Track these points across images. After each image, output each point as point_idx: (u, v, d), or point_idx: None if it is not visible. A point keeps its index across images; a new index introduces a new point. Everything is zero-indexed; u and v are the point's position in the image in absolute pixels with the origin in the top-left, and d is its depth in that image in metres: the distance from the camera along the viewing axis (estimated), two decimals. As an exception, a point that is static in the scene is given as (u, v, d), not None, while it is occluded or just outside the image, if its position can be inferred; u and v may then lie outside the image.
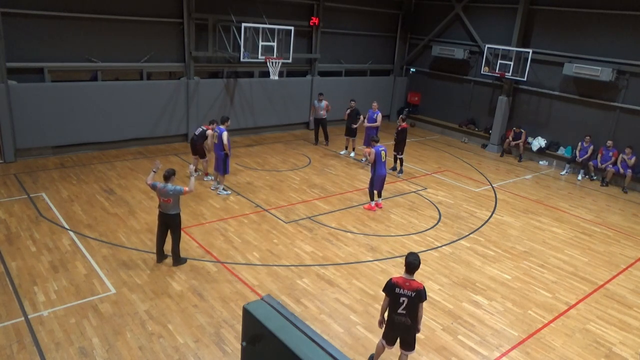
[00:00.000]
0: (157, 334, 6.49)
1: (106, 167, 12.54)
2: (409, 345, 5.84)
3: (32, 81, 12.43)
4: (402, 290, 5.53)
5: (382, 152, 10.94)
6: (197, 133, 11.82)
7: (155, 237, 8.43)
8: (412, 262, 5.56)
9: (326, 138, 16.31)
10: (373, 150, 10.88)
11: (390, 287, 5.58)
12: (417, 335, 5.93)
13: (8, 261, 7.88)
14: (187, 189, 7.83)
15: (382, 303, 5.82)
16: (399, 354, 6.02)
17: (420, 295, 5.55)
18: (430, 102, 20.44)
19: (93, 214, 9.85)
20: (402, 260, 8.84)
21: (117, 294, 7.26)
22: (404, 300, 5.55)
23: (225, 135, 10.90)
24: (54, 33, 12.49)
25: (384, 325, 5.89)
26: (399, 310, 5.60)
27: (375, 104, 14.53)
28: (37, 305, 6.86)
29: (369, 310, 7.41)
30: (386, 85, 20.70)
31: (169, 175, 7.78)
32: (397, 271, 8.46)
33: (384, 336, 5.91)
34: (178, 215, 7.95)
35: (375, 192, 11.26)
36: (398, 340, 5.90)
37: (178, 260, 8.16)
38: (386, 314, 5.86)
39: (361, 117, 14.87)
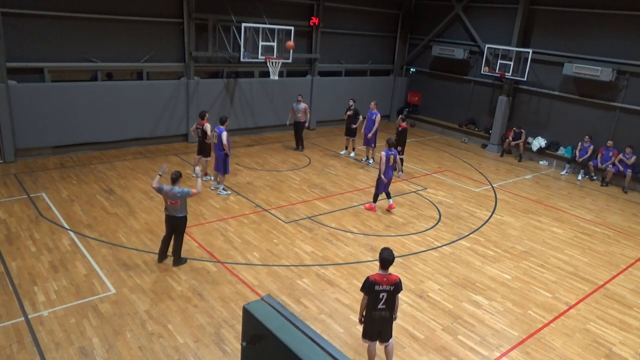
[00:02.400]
0: (157, 334, 6.49)
1: (106, 167, 12.54)
2: (387, 336, 5.91)
3: (32, 81, 12.43)
4: (381, 286, 5.60)
5: (391, 156, 10.88)
6: (199, 134, 11.80)
7: (154, 237, 8.44)
8: (386, 259, 5.63)
9: (301, 143, 15.43)
10: (383, 153, 10.80)
11: (370, 286, 5.62)
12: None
13: (8, 261, 7.88)
14: (194, 190, 7.84)
15: (361, 302, 5.85)
16: (383, 349, 6.05)
17: (397, 287, 5.68)
18: (430, 102, 20.44)
19: (93, 214, 9.85)
20: (402, 260, 8.91)
21: (117, 294, 7.26)
22: (383, 296, 5.63)
23: (225, 135, 10.90)
24: (54, 33, 12.50)
25: (364, 324, 5.91)
26: (379, 306, 5.67)
27: (373, 104, 14.40)
28: (37, 305, 6.86)
29: (369, 310, 7.41)
30: (386, 85, 20.70)
31: (176, 178, 7.76)
32: (396, 271, 8.43)
33: (366, 335, 5.93)
34: (185, 218, 7.98)
35: (384, 193, 11.17)
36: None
37: (178, 260, 8.16)
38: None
39: (360, 117, 14.84)
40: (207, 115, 11.71)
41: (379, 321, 5.75)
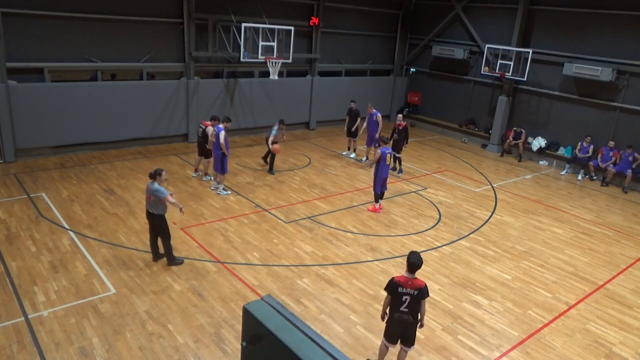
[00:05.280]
0: (157, 334, 6.49)
1: (106, 167, 12.54)
2: (409, 341, 5.88)
3: (32, 81, 12.42)
4: (404, 289, 5.55)
5: (388, 155, 10.80)
6: (199, 134, 11.84)
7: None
8: (414, 263, 5.58)
9: (267, 160, 13.47)
10: (379, 151, 10.79)
11: (393, 287, 5.60)
12: (417, 334, 5.95)
13: (8, 261, 7.88)
14: (171, 199, 7.70)
15: (384, 300, 5.85)
16: (398, 350, 6.04)
17: (422, 292, 5.59)
18: (430, 102, 20.44)
19: (93, 214, 9.85)
20: (402, 260, 8.88)
21: (117, 294, 7.26)
22: (406, 299, 5.58)
23: (222, 134, 10.88)
24: (54, 33, 12.49)
25: (385, 324, 5.91)
26: (401, 309, 5.63)
27: (369, 106, 14.27)
28: (37, 305, 6.86)
29: (369, 310, 7.41)
30: (386, 85, 20.70)
31: (154, 174, 7.76)
32: (397, 271, 8.46)
33: (386, 335, 5.94)
34: (161, 217, 7.88)
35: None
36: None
37: (172, 260, 8.14)
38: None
39: (359, 119, 14.78)
40: (216, 120, 11.53)
41: (398, 323, 5.72)
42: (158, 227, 7.95)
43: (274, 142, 12.74)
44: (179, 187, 11.43)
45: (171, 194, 7.80)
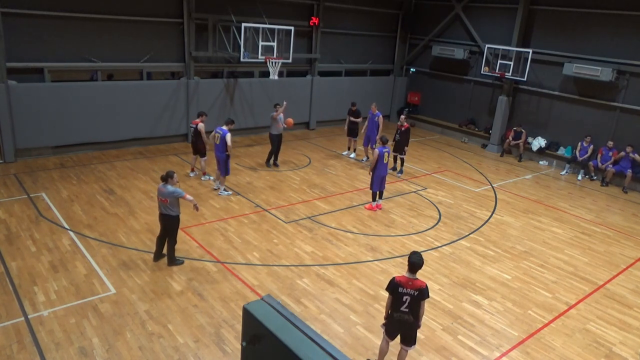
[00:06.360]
0: (157, 334, 6.49)
1: (106, 167, 12.54)
2: (409, 340, 5.89)
3: (32, 81, 12.42)
4: (405, 289, 5.56)
5: (385, 153, 10.87)
6: (192, 133, 11.92)
7: (154, 237, 8.42)
8: (415, 263, 5.58)
9: (276, 156, 13.74)
10: (377, 150, 10.85)
11: (394, 287, 5.61)
12: (417, 334, 5.95)
13: (8, 261, 7.88)
14: (188, 196, 7.82)
15: (386, 301, 5.86)
16: (398, 350, 6.05)
17: (423, 293, 5.60)
18: (430, 102, 20.44)
19: (93, 214, 9.85)
20: (403, 260, 8.90)
21: (117, 294, 7.26)
22: (406, 299, 5.59)
23: (229, 136, 10.89)
24: (54, 33, 12.49)
25: (385, 323, 5.92)
26: (402, 309, 5.65)
27: (373, 106, 14.31)
28: (37, 305, 6.86)
29: (369, 310, 7.41)
30: (386, 85, 20.70)
31: (166, 177, 7.78)
32: (397, 271, 8.46)
33: (386, 332, 5.96)
34: (176, 218, 7.91)
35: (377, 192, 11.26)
36: (398, 337, 5.95)
37: (172, 261, 8.14)
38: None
39: (360, 119, 14.77)
40: (204, 116, 11.76)
41: (397, 323, 5.74)
42: (171, 228, 7.96)
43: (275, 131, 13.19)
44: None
45: None
